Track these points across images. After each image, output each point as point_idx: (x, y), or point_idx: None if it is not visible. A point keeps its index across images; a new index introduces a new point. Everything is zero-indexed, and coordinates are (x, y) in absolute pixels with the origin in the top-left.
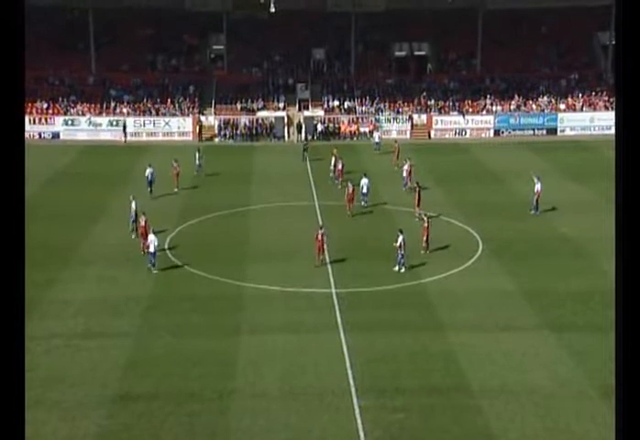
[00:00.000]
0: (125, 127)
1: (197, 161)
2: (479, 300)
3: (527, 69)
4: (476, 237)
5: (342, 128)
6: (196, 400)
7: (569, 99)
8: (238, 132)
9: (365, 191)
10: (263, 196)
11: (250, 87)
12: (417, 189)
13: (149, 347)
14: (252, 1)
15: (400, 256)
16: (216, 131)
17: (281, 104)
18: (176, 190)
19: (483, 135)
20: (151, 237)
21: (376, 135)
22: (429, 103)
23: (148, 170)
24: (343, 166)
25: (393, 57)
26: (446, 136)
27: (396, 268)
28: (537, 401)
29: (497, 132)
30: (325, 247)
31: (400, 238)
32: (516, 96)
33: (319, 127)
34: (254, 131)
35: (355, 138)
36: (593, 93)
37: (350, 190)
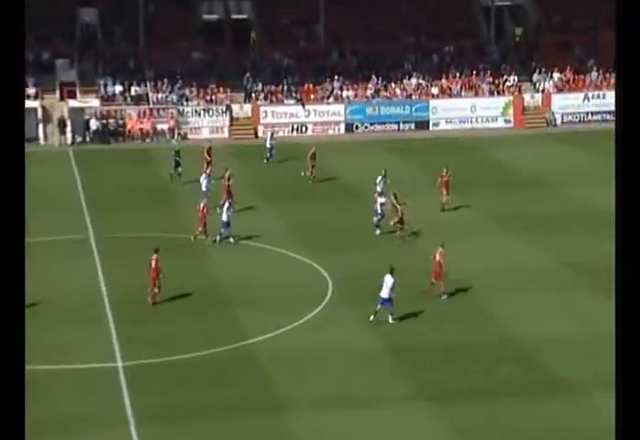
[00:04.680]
0: None
1: None
2: (329, 363)
3: (387, 38)
4: (323, 275)
5: (129, 126)
6: None
7: (444, 80)
8: None
9: (225, 219)
10: None
11: None
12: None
13: None
14: None
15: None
16: None
17: (32, 90)
18: None
19: (331, 131)
20: None
21: (267, 136)
22: (254, 87)
23: None
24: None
25: (201, 21)
26: (280, 133)
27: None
28: None
29: (349, 127)
30: (159, 276)
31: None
32: (374, 77)
33: (93, 125)
34: None
35: (148, 140)
36: (474, 73)
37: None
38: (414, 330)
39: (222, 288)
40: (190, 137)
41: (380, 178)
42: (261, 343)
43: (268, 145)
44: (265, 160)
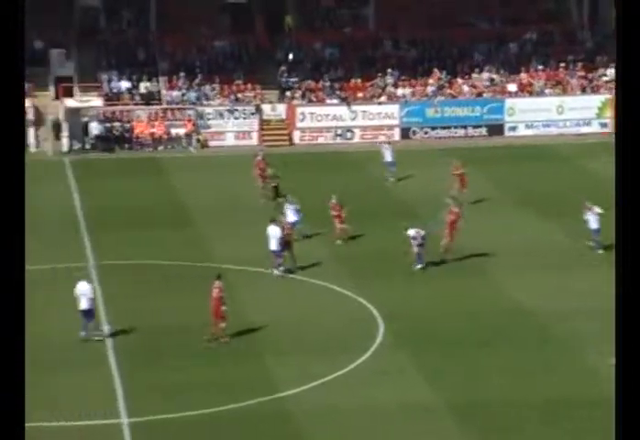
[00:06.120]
0: None
1: None
2: (377, 423)
3: (453, 25)
4: (371, 312)
5: (137, 130)
6: None
7: (523, 75)
8: None
9: (274, 247)
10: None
11: None
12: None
13: None
14: None
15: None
16: None
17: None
18: None
19: (383, 137)
20: None
21: (387, 149)
22: (289, 83)
23: None
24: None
25: (226, 3)
26: (320, 140)
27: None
28: None
29: (405, 132)
30: (223, 308)
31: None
32: (436, 71)
33: (95, 129)
34: None
35: (160, 147)
36: (562, 65)
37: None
38: (484, 384)
39: (249, 328)
40: (211, 143)
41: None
42: (295, 397)
43: (389, 158)
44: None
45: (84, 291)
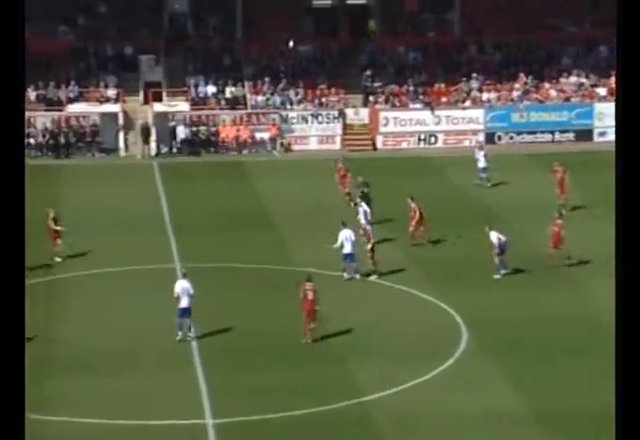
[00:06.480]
0: None
1: None
2: (461, 430)
3: (539, 27)
4: (454, 318)
5: (222, 134)
6: None
7: (613, 79)
8: (32, 141)
9: (349, 250)
10: (84, 252)
11: (54, 61)
12: None
13: None
14: None
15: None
16: None
17: (112, 92)
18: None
19: (467, 142)
20: None
21: (480, 154)
22: (373, 87)
23: None
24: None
25: (310, 8)
26: (403, 144)
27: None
28: None
29: (490, 137)
30: (316, 308)
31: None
32: (522, 75)
33: (181, 132)
34: (61, 139)
35: (245, 151)
36: None
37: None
38: (571, 392)
39: (333, 332)
40: (294, 147)
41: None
42: (378, 401)
43: (482, 164)
44: (479, 181)
45: (185, 289)
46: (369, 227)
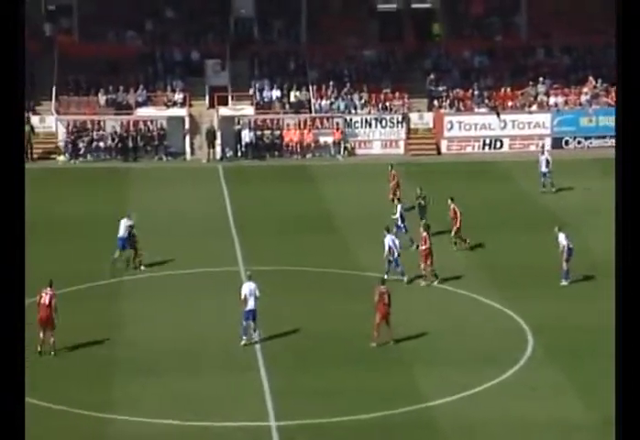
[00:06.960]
0: None
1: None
2: (526, 438)
3: (609, 30)
4: (520, 325)
5: (287, 138)
6: None
7: None
8: (101, 144)
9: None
10: (161, 254)
11: (122, 66)
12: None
13: None
14: None
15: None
16: (61, 144)
17: (179, 96)
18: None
19: (533, 147)
20: None
21: (543, 159)
22: (438, 91)
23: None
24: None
25: (375, 12)
26: (468, 149)
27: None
28: None
29: (557, 142)
30: (389, 310)
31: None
32: (591, 79)
33: (246, 136)
34: (129, 143)
35: (309, 155)
36: None
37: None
38: None
39: (398, 337)
40: (358, 151)
41: None
42: (443, 407)
43: (543, 168)
44: (543, 187)
45: (252, 291)
46: (424, 234)
